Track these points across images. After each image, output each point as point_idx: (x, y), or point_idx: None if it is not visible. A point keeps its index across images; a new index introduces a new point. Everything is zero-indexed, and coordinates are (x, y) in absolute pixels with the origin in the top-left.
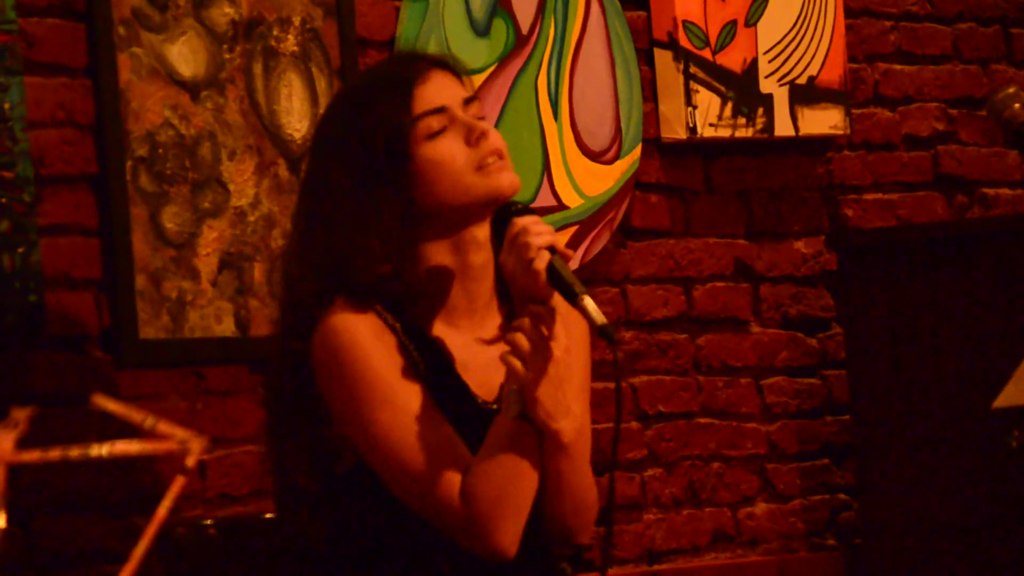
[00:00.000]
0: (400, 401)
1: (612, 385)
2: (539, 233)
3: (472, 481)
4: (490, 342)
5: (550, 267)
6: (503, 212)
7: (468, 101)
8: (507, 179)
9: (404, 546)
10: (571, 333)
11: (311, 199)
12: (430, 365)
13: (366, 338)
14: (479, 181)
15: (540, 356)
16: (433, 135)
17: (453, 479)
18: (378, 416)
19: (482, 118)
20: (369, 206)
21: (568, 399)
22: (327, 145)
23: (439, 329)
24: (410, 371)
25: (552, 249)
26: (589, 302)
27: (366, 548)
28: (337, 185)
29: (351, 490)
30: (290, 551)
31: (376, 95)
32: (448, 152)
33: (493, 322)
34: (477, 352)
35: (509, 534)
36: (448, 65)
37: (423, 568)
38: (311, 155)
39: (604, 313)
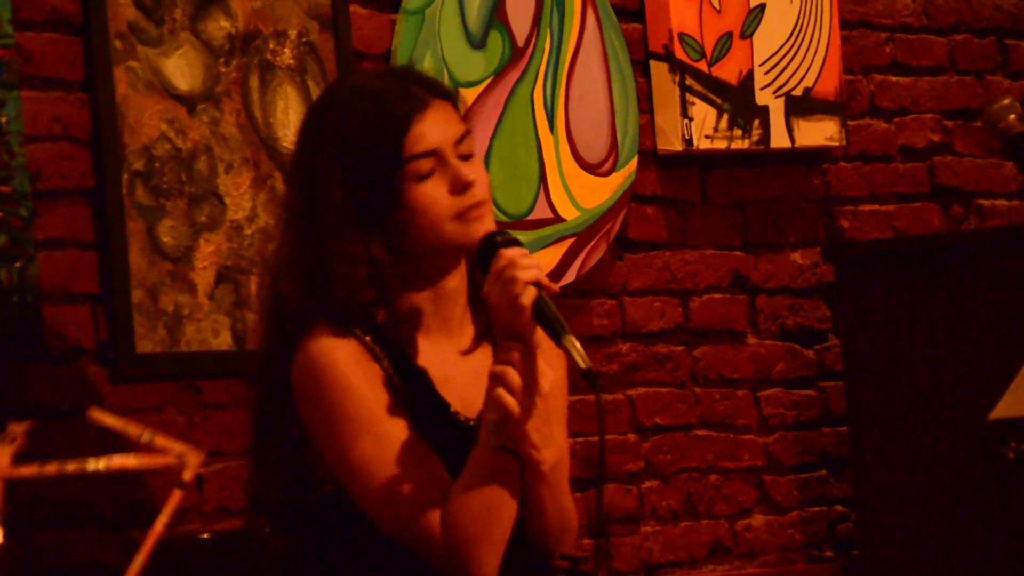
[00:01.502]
0: (381, 431)
1: (608, 397)
2: (526, 268)
3: (452, 513)
4: (467, 355)
5: (536, 304)
6: (489, 242)
7: (460, 140)
8: (482, 230)
9: (384, 570)
10: (550, 359)
11: (301, 218)
12: (411, 386)
13: (347, 365)
14: (456, 230)
15: (528, 392)
16: (421, 177)
17: (433, 510)
18: (358, 446)
19: (471, 155)
20: (358, 234)
21: (552, 430)
22: (317, 165)
23: (417, 347)
24: (391, 397)
25: (538, 285)
26: (574, 343)
27: (344, 572)
28: (329, 210)
29: (330, 514)
30: (286, 565)
31: (369, 127)
32: (432, 198)
33: (468, 335)
34: (455, 367)
35: (489, 564)
36: (446, 95)
37: None
38: (296, 166)
39: (601, 326)
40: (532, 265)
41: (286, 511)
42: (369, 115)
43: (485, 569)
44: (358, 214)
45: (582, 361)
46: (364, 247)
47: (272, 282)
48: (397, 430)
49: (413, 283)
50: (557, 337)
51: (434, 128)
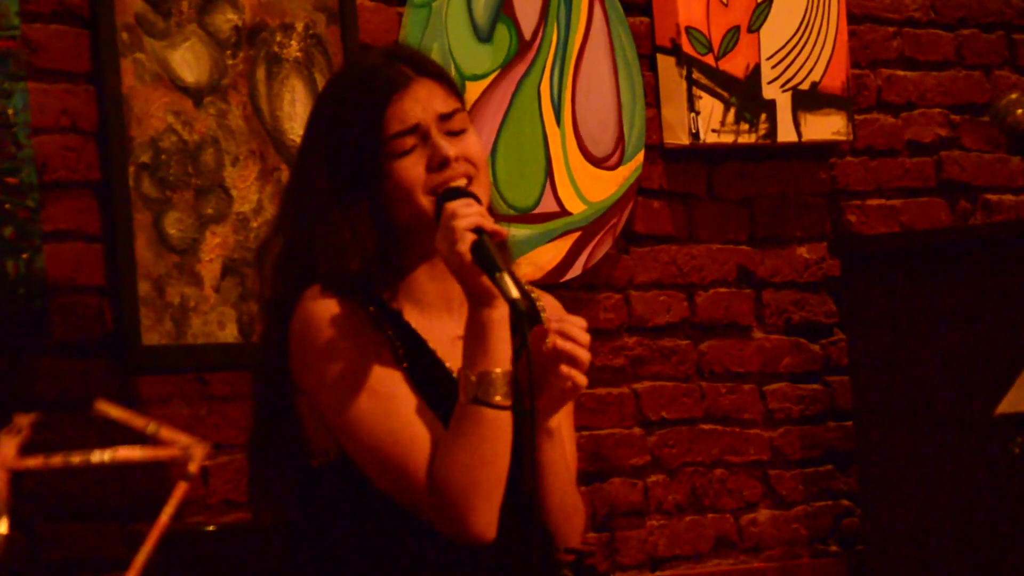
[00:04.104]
0: (376, 384)
1: (614, 391)
2: (465, 215)
3: (438, 468)
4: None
5: (475, 247)
6: (440, 199)
7: (446, 116)
8: None
9: (388, 540)
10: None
11: (291, 196)
12: (410, 351)
13: (339, 323)
14: (430, 204)
15: (491, 341)
16: (402, 153)
17: (426, 465)
18: (354, 399)
19: (463, 130)
20: (342, 208)
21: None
22: (308, 144)
23: (414, 314)
24: (385, 353)
25: (480, 230)
26: (505, 278)
27: (347, 542)
28: (314, 186)
29: (330, 483)
30: (288, 556)
31: (354, 106)
32: (409, 175)
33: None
34: (455, 339)
35: (482, 518)
36: (433, 73)
37: (408, 561)
38: (297, 150)
39: (607, 319)
40: (472, 213)
41: (285, 485)
42: (353, 93)
43: (479, 524)
44: (341, 188)
45: (511, 292)
46: (344, 218)
47: (258, 260)
48: (391, 384)
49: (411, 259)
50: (491, 275)
51: (415, 105)
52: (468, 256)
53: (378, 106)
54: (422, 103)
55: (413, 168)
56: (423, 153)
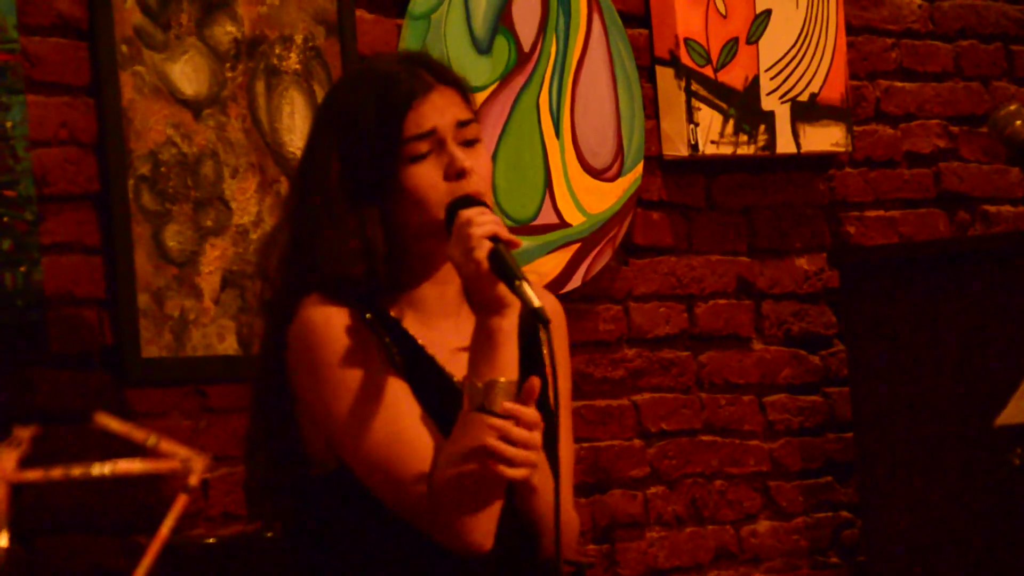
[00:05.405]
0: (372, 393)
1: (613, 402)
2: (482, 224)
3: (438, 476)
4: (467, 333)
5: (492, 255)
6: (451, 207)
7: (463, 124)
8: None
9: (386, 551)
10: (555, 340)
11: (299, 193)
12: (404, 352)
13: (338, 332)
14: (442, 214)
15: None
16: (417, 158)
17: (423, 473)
18: (351, 406)
19: (476, 140)
20: (353, 212)
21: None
22: (317, 143)
23: (414, 322)
24: (383, 362)
25: (496, 238)
26: (526, 287)
27: (345, 553)
28: (325, 187)
29: (328, 494)
30: (287, 567)
31: (373, 109)
32: (425, 182)
33: (467, 315)
34: (454, 343)
35: (479, 528)
36: (453, 81)
37: (406, 572)
38: (306, 142)
39: (607, 331)
40: (488, 221)
41: (283, 495)
42: (373, 95)
43: (475, 533)
44: (353, 191)
45: (533, 301)
46: (358, 222)
47: (260, 262)
48: (389, 393)
49: (414, 266)
50: (510, 283)
51: (434, 111)
52: (485, 264)
53: (398, 110)
54: (441, 110)
55: (428, 175)
56: (438, 161)
